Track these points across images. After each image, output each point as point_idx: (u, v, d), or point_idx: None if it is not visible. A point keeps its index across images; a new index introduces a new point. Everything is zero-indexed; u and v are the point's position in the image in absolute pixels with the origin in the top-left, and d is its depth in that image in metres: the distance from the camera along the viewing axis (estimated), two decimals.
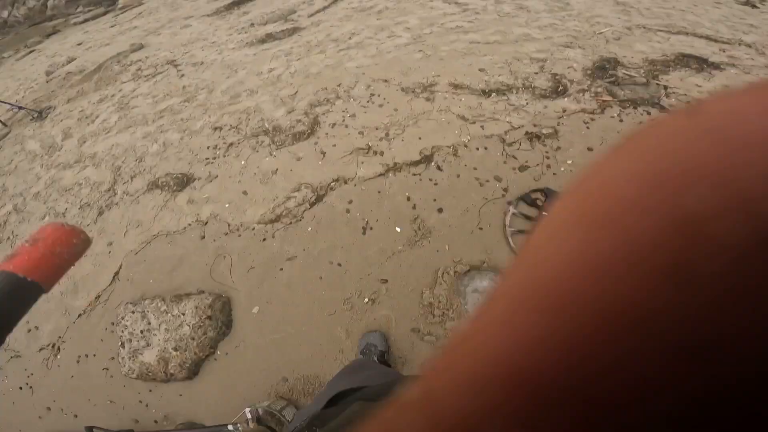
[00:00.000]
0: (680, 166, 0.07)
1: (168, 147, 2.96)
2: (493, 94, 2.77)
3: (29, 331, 2.23)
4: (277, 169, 2.45)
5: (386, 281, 1.94)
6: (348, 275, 1.99)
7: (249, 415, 1.29)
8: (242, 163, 2.57)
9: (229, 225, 2.30)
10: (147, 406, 1.83)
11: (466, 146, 2.37)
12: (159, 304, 1.98)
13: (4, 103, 4.51)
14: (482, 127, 2.48)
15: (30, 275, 0.41)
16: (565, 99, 2.72)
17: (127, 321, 1.97)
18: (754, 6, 5.01)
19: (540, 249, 0.08)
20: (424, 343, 1.75)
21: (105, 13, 10.29)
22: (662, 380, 0.06)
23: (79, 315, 2.22)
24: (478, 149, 2.34)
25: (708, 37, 3.72)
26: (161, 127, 3.23)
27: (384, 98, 2.78)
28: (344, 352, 1.80)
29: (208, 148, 2.79)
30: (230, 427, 1.37)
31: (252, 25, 4.73)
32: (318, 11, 4.57)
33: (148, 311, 1.97)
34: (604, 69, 3.07)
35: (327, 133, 2.58)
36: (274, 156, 2.54)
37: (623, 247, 0.07)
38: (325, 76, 3.16)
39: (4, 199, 3.24)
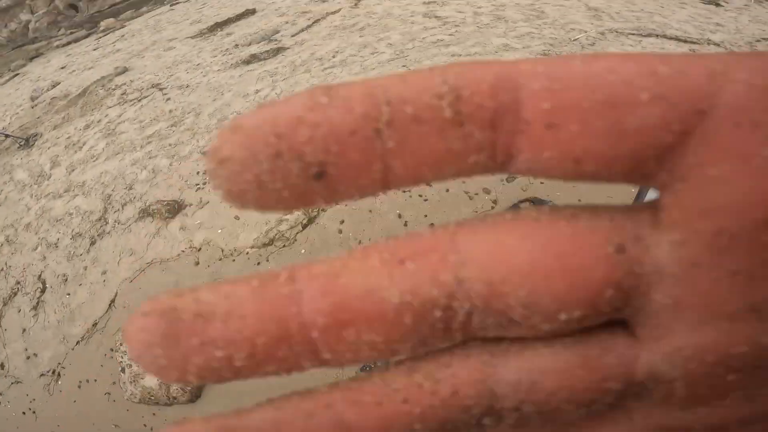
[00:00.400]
0: None
1: (158, 173, 2.97)
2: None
3: (28, 358, 2.23)
4: None
5: None
6: None
7: None
8: None
9: (222, 250, 2.32)
10: (152, 429, 1.84)
11: None
12: None
13: None
14: None
15: None
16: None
17: (126, 347, 1.99)
18: (717, 5, 5.19)
19: None
20: None
21: (87, 36, 10.26)
22: None
23: (78, 342, 2.23)
24: None
25: (677, 38, 3.86)
26: (149, 153, 3.24)
27: None
28: (345, 368, 1.83)
29: (198, 173, 2.81)
30: None
31: (236, 46, 4.77)
32: (301, 30, 4.63)
33: None
34: None
35: None
36: None
37: None
38: None
39: None
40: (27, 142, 4.43)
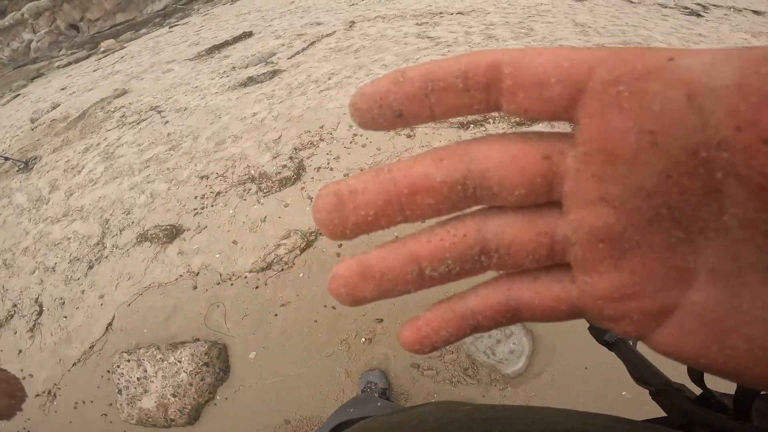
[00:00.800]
0: None
1: (156, 198, 2.99)
2: (471, 126, 2.88)
3: (23, 378, 2.21)
4: (265, 217, 2.49)
5: (381, 320, 1.97)
6: (343, 317, 2.02)
7: None
8: (230, 212, 2.61)
9: (220, 274, 2.32)
10: None
11: None
12: (154, 353, 2.00)
13: None
14: None
15: None
16: (540, 125, 2.84)
17: (123, 369, 1.99)
18: (699, 15, 5.30)
19: None
20: (426, 378, 1.78)
21: (87, 57, 10.41)
22: None
23: (74, 363, 2.22)
24: None
25: None
26: (148, 177, 3.26)
27: (366, 138, 2.87)
28: (345, 392, 1.82)
29: (195, 197, 2.82)
30: None
31: (233, 68, 4.84)
32: (297, 53, 4.71)
33: (143, 359, 1.99)
34: None
35: (313, 178, 2.64)
36: (262, 203, 2.58)
37: None
38: (308, 118, 3.25)
39: None
40: (26, 165, 4.46)
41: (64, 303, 2.58)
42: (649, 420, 0.30)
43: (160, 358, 1.97)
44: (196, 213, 2.70)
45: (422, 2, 6.00)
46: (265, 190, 2.66)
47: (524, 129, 0.18)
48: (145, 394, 1.91)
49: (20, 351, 2.41)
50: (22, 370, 2.28)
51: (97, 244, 2.88)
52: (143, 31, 11.43)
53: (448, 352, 1.85)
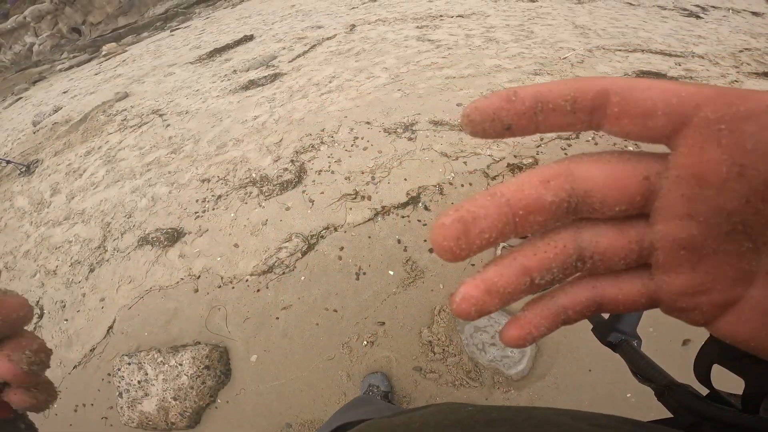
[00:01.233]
0: None
1: (157, 201, 2.99)
2: None
3: None
4: (266, 220, 2.50)
5: (383, 323, 1.97)
6: (345, 320, 2.02)
7: None
8: (232, 215, 2.62)
9: (221, 278, 2.32)
10: None
11: (451, 184, 2.45)
12: (155, 356, 2.00)
13: None
14: (465, 162, 2.57)
15: None
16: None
17: (124, 372, 1.98)
18: (698, 17, 5.31)
19: None
20: (428, 381, 1.77)
21: (89, 60, 10.45)
22: None
23: (74, 366, 2.22)
24: (463, 186, 2.43)
25: (663, 53, 3.94)
26: (149, 180, 3.27)
27: (368, 141, 2.87)
28: (347, 395, 1.81)
29: (197, 201, 2.83)
30: None
31: (234, 71, 4.86)
32: (298, 56, 4.73)
33: (144, 362, 1.99)
34: None
35: (314, 181, 2.65)
36: (263, 207, 2.59)
37: None
38: (309, 121, 3.26)
39: None
40: (28, 168, 4.47)
41: (65, 306, 2.59)
42: (655, 421, 0.30)
43: (161, 361, 1.97)
44: (198, 216, 2.71)
45: (422, 5, 6.02)
46: (266, 193, 2.66)
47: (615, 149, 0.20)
48: (146, 397, 1.90)
49: None
50: None
51: (99, 247, 2.89)
52: (145, 34, 11.48)
53: (451, 355, 1.84)
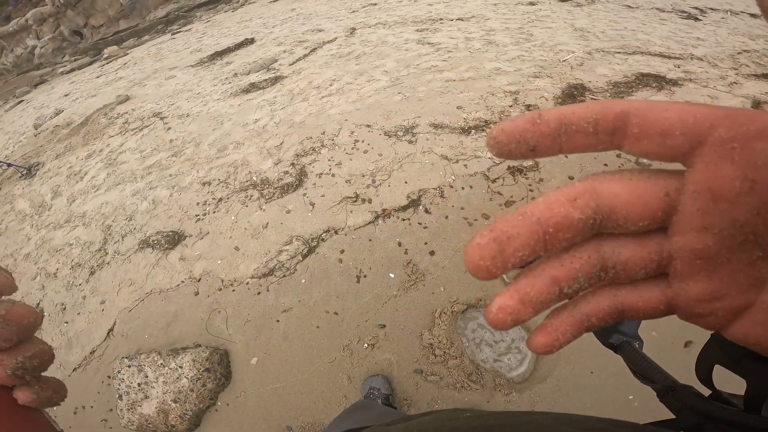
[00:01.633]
0: None
1: (158, 204, 3.00)
2: (473, 131, 2.89)
3: None
4: (267, 223, 2.50)
5: (384, 326, 1.97)
6: (345, 323, 2.01)
7: None
8: (232, 218, 2.62)
9: (222, 281, 2.32)
10: None
11: (451, 186, 2.45)
12: (155, 358, 1.99)
13: None
14: (465, 165, 2.57)
15: None
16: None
17: (124, 375, 1.98)
18: (696, 19, 5.32)
19: None
20: (429, 384, 1.77)
21: (91, 63, 10.49)
22: None
23: (74, 369, 2.22)
24: (463, 188, 2.43)
25: (662, 55, 3.94)
26: (150, 183, 3.28)
27: (368, 144, 2.88)
28: (347, 398, 1.81)
29: (197, 204, 2.83)
30: None
31: (235, 75, 4.88)
32: (298, 59, 4.75)
33: (144, 365, 1.98)
34: (572, 96, 3.23)
35: (314, 184, 2.65)
36: (264, 210, 2.59)
37: None
38: (309, 124, 3.27)
39: None
40: (29, 171, 4.48)
41: (65, 308, 2.58)
42: (656, 423, 0.31)
43: (161, 363, 1.97)
44: (198, 219, 2.71)
45: (422, 9, 6.05)
46: (267, 197, 2.67)
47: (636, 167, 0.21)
48: (146, 399, 1.90)
49: None
50: None
51: (99, 250, 2.89)
52: (146, 37, 11.53)
53: (452, 358, 1.84)
